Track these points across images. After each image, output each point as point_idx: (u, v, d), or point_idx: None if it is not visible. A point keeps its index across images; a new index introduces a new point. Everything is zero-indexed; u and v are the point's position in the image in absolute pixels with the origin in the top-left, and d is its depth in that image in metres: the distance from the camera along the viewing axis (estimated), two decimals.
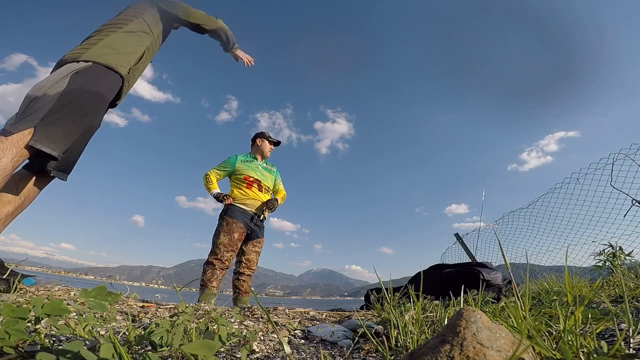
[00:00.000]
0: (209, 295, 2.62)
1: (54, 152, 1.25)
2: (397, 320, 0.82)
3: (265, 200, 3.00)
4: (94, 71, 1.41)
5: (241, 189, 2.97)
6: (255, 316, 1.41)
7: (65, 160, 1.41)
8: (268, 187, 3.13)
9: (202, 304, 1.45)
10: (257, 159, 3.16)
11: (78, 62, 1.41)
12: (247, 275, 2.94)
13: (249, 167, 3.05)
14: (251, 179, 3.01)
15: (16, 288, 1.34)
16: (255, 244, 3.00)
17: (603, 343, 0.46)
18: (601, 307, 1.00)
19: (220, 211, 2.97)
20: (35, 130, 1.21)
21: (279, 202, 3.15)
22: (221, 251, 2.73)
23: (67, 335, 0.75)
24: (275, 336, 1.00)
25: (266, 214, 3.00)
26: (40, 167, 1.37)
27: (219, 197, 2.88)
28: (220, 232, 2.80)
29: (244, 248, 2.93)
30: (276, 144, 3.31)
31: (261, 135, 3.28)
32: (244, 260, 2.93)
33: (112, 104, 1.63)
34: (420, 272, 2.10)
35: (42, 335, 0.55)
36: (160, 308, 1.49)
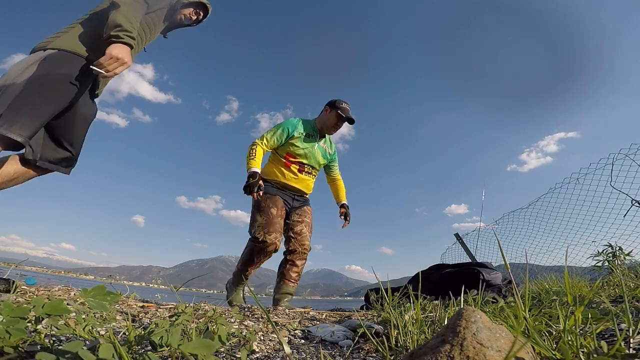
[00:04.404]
0: (239, 283, 2.34)
1: (19, 137, 1.25)
2: (397, 321, 0.82)
3: (300, 185, 2.44)
4: (62, 56, 1.39)
5: (278, 167, 2.41)
6: (255, 316, 1.41)
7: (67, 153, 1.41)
8: (312, 168, 2.50)
9: (202, 306, 1.45)
10: (317, 133, 2.47)
11: (45, 50, 1.39)
12: (300, 253, 2.36)
13: (300, 141, 2.39)
14: (293, 158, 2.40)
15: (16, 288, 1.35)
16: (301, 213, 2.44)
17: (603, 343, 0.46)
18: (601, 307, 1.00)
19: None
20: (2, 117, 1.22)
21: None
22: (262, 233, 2.17)
23: (67, 335, 0.75)
24: (275, 336, 1.00)
25: (346, 224, 2.61)
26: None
27: (251, 179, 2.14)
28: (254, 213, 2.27)
29: (287, 221, 2.40)
30: (349, 121, 2.44)
31: (332, 104, 2.45)
32: (292, 235, 2.37)
33: (92, 95, 1.59)
34: (420, 272, 2.10)
35: (42, 335, 0.55)
36: (160, 308, 1.49)
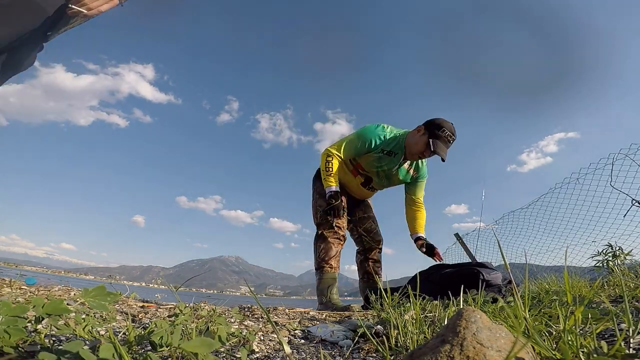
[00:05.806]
0: (329, 280, 2.02)
1: None
2: (396, 321, 0.82)
3: (358, 194, 2.24)
4: None
5: (342, 171, 2.10)
6: (255, 316, 1.41)
7: None
8: (379, 186, 2.25)
9: (202, 306, 1.45)
10: (402, 152, 2.04)
11: None
12: (377, 250, 2.22)
13: (378, 159, 2.03)
14: (362, 170, 2.14)
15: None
16: (365, 209, 2.30)
17: (603, 343, 0.46)
18: (601, 307, 1.00)
19: (314, 177, 2.29)
20: None
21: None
22: (329, 217, 2.01)
23: (67, 335, 0.75)
24: (275, 336, 1.00)
25: (438, 255, 2.18)
26: None
27: (334, 200, 1.90)
28: (316, 199, 2.15)
29: (350, 217, 2.24)
30: (440, 157, 1.96)
31: (431, 127, 1.93)
32: (363, 233, 2.25)
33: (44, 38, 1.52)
34: (419, 272, 2.10)
35: (42, 335, 0.55)
36: (160, 308, 1.49)
